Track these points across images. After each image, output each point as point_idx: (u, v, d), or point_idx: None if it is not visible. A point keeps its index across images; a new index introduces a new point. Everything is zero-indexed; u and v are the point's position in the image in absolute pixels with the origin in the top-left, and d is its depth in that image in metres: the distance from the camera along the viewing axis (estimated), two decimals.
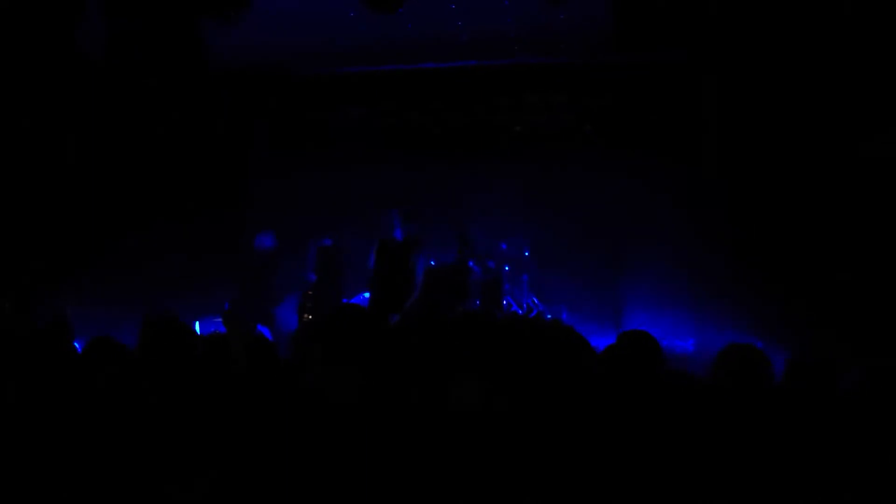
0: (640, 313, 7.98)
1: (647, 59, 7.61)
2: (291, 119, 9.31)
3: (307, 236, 8.20)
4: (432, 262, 8.48)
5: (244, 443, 2.22)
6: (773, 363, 2.53)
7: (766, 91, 6.36)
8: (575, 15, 6.78)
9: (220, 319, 6.68)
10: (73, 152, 7.20)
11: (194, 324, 6.97)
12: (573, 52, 7.90)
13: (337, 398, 2.25)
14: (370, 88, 8.67)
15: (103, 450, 2.29)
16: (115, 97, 7.64)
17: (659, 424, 2.24)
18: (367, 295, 7.91)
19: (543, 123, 8.94)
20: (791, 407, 2.30)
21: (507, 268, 8.60)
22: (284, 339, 7.08)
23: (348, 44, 7.90)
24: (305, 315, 7.39)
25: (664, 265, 7.96)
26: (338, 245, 7.81)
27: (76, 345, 3.77)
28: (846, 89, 5.92)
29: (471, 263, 8.30)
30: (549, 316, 8.44)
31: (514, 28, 7.62)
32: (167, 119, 7.93)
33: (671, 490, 2.02)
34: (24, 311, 5.90)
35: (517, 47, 8.12)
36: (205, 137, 8.32)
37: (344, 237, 8.18)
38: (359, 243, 7.49)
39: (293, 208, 9.23)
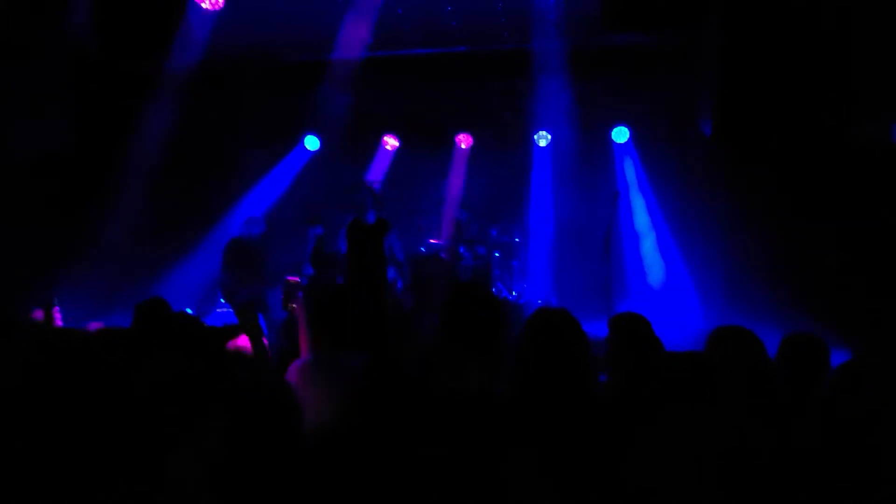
0: (630, 298, 8.03)
1: (637, 41, 7.56)
2: (280, 106, 9.23)
3: (295, 222, 8.17)
4: (422, 249, 8.48)
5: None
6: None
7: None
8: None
9: (230, 309, 6.62)
10: (64, 141, 7.10)
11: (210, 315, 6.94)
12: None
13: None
14: (361, 75, 8.59)
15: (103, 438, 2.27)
16: (105, 86, 7.57)
17: (655, 405, 2.25)
18: None
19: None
20: (785, 385, 2.31)
21: (497, 254, 8.60)
22: (276, 325, 7.07)
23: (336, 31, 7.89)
24: (291, 304, 7.32)
25: (657, 250, 8.02)
26: (328, 233, 7.77)
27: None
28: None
29: (461, 249, 8.30)
30: (539, 301, 8.46)
31: (504, 13, 7.60)
32: (156, 107, 7.87)
33: (669, 468, 2.03)
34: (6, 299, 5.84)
35: (507, 33, 8.10)
36: (193, 125, 8.24)
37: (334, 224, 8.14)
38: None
39: (282, 195, 9.24)
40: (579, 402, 2.21)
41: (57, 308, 3.83)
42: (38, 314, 3.80)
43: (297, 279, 7.34)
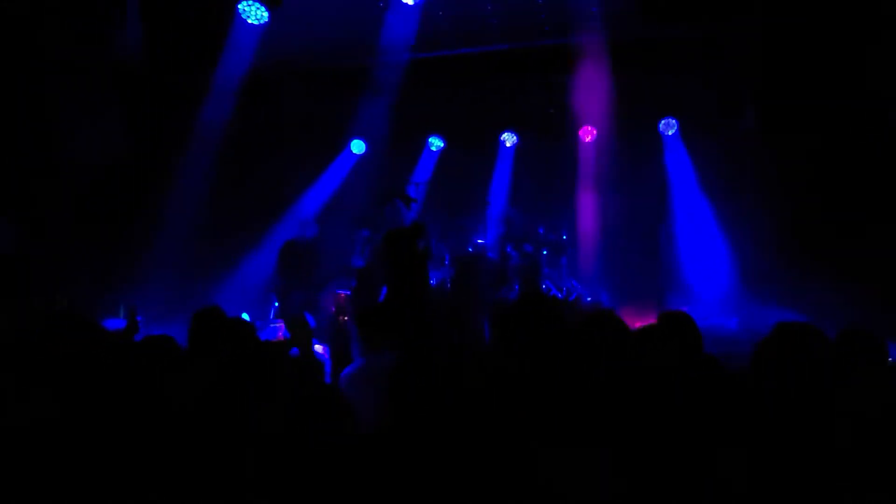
0: (682, 294, 7.89)
1: (679, 33, 7.43)
2: (326, 111, 9.38)
3: (346, 225, 8.30)
4: (469, 249, 8.51)
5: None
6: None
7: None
8: None
9: (282, 323, 6.75)
10: (116, 154, 7.38)
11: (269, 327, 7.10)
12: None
13: None
14: (402, 77, 8.67)
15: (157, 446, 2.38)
16: (157, 97, 7.83)
17: (695, 404, 2.24)
18: None
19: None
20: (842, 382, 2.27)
21: (545, 252, 8.55)
22: (326, 326, 7.18)
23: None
24: (342, 317, 7.36)
25: (705, 245, 7.87)
26: (374, 234, 7.87)
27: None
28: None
29: (508, 248, 8.29)
30: (588, 299, 8.39)
31: (544, 8, 7.57)
32: (206, 116, 8.10)
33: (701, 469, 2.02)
34: (81, 306, 6.12)
35: (548, 28, 8.05)
36: (243, 132, 8.46)
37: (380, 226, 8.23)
38: None
39: (330, 198, 9.42)
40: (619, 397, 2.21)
41: (140, 317, 3.99)
42: (120, 323, 3.99)
43: (347, 293, 7.43)
